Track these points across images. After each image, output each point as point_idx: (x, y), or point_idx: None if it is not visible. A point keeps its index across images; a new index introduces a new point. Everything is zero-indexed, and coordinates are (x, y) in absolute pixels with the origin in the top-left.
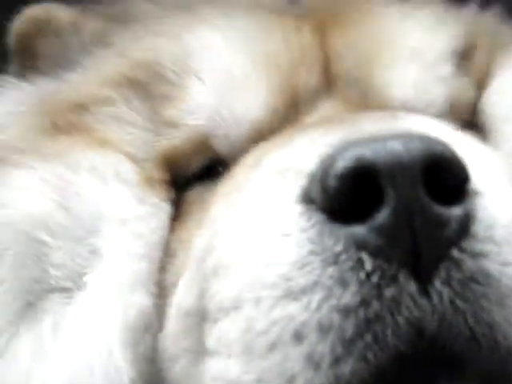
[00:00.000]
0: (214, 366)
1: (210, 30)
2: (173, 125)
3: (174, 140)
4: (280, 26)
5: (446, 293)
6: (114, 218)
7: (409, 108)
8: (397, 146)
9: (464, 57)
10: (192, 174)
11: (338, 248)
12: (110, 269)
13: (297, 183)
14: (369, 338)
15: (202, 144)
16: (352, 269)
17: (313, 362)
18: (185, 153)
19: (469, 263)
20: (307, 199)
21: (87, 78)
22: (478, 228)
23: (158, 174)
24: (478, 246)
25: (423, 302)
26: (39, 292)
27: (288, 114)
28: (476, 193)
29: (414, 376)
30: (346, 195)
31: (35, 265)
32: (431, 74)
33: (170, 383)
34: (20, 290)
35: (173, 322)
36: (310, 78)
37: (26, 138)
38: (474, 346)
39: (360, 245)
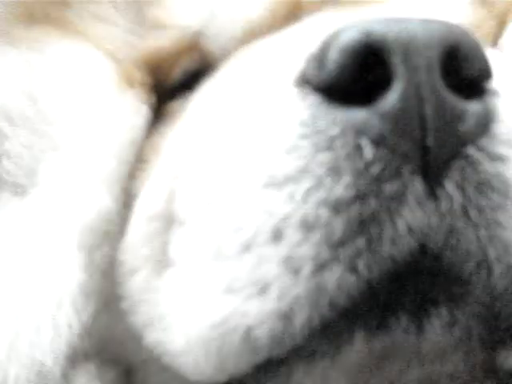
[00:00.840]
0: (175, 278)
1: None
2: (160, 25)
3: (159, 41)
4: None
5: (458, 198)
6: (82, 111)
7: None
8: (413, 24)
9: None
10: (177, 80)
11: (334, 131)
12: (69, 164)
13: (294, 66)
14: (361, 242)
15: (191, 45)
16: (348, 156)
17: (292, 266)
18: (171, 54)
19: (486, 165)
20: (303, 81)
21: None
22: (500, 128)
23: (139, 76)
24: (499, 149)
25: (430, 205)
26: None
27: (288, 19)
28: (499, 92)
29: (408, 298)
30: (348, 72)
31: None
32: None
33: (125, 300)
34: None
35: (135, 229)
36: None
37: None
38: (483, 271)
39: (360, 130)
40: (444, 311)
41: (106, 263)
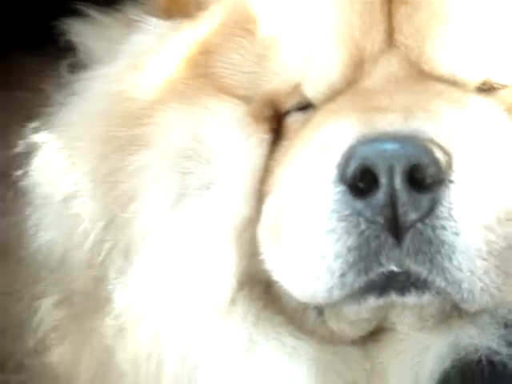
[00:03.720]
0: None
1: None
2: (273, 71)
3: (274, 83)
4: None
5: (412, 248)
6: (229, 148)
7: (453, 76)
8: (393, 151)
9: None
10: (288, 109)
11: (347, 212)
12: (225, 183)
13: (334, 159)
14: (362, 265)
15: (295, 89)
16: (353, 226)
17: (330, 271)
18: (283, 94)
19: (429, 233)
20: (337, 171)
21: (212, 23)
22: (441, 209)
23: (263, 111)
24: (438, 222)
25: (397, 251)
26: (181, 193)
27: (355, 74)
28: (449, 182)
29: (394, 286)
30: (357, 179)
31: (179, 179)
32: (476, 45)
33: (260, 255)
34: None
35: (263, 221)
36: (375, 44)
37: (174, 85)
38: (431, 278)
39: (360, 213)
40: (413, 291)
41: (250, 240)
